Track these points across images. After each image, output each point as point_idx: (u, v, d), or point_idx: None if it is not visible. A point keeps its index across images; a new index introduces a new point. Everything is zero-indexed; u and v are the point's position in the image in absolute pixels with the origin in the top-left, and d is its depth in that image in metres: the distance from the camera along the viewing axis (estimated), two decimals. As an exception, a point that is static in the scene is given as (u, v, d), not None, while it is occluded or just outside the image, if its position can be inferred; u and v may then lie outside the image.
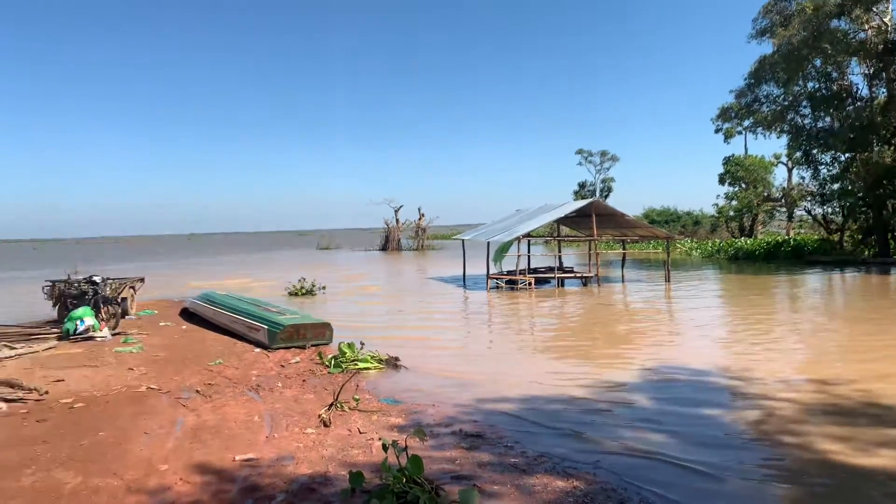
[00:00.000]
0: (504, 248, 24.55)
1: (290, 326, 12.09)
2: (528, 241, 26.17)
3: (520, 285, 23.37)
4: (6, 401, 8.20)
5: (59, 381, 9.44)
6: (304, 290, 22.44)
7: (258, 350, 11.87)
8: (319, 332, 12.35)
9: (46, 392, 8.58)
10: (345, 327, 13.65)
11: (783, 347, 11.90)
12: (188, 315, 16.45)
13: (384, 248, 60.15)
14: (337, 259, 48.81)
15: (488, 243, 24.82)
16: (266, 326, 12.29)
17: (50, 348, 12.04)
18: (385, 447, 5.34)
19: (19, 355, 11.24)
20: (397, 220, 60.90)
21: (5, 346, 11.75)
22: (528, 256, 26.96)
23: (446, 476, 5.64)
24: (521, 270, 24.39)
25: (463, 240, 28.72)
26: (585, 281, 24.50)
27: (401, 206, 61.07)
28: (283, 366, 10.48)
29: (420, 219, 61.15)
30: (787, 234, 46.97)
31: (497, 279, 24.25)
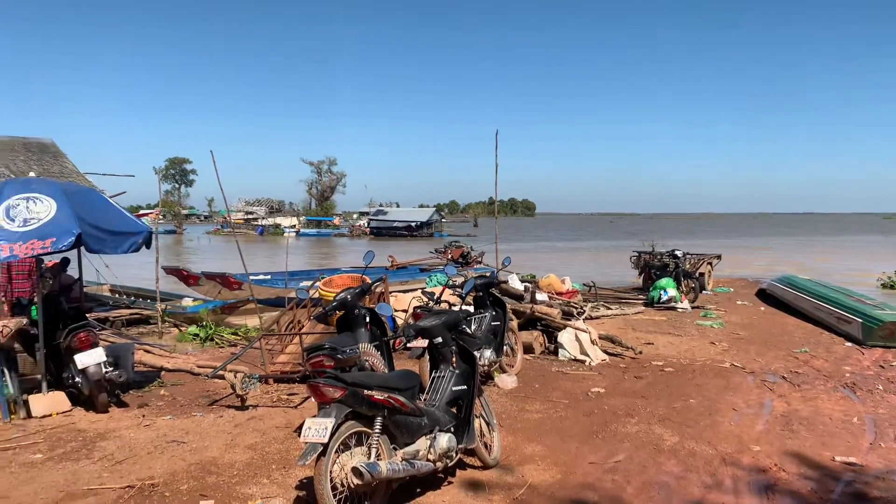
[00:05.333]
0: None
1: (890, 323, 10.48)
2: None
3: None
4: (608, 354, 9.38)
5: (648, 343, 10.33)
6: (901, 283, 19.26)
7: (849, 344, 10.67)
8: (932, 336, 10.34)
9: (640, 352, 9.48)
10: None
11: None
12: (764, 296, 15.99)
13: None
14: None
15: None
16: (860, 319, 10.93)
17: (638, 313, 13.31)
18: None
19: (615, 315, 12.75)
20: None
21: (603, 305, 13.49)
22: None
23: None
24: None
25: None
26: None
27: None
28: (882, 366, 9.15)
29: None
30: None
31: None
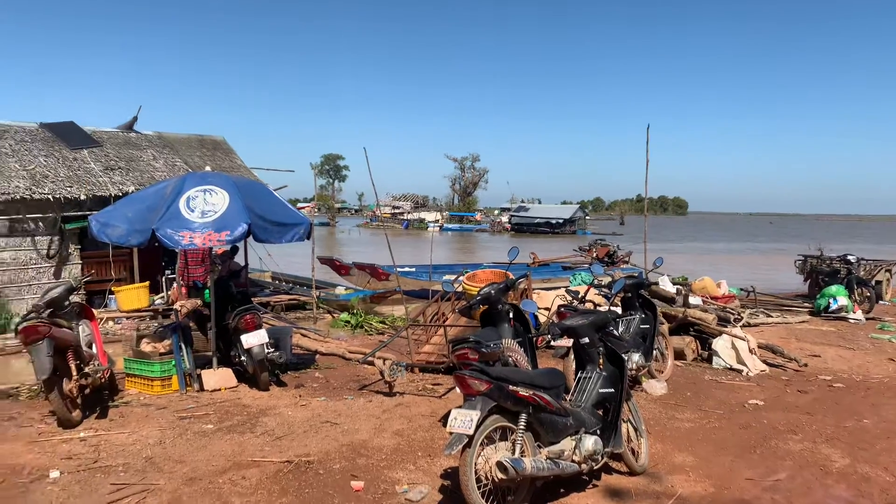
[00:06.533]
0: None
1: None
2: None
3: None
4: (768, 365, 8.74)
5: (814, 355, 9.50)
6: None
7: None
8: None
9: (805, 364, 8.75)
10: None
11: None
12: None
13: None
14: None
15: None
16: None
17: (802, 322, 12.28)
18: None
19: (776, 323, 11.86)
20: None
21: (763, 312, 12.59)
22: None
23: None
24: None
25: None
26: None
27: None
28: None
29: None
30: None
31: None
